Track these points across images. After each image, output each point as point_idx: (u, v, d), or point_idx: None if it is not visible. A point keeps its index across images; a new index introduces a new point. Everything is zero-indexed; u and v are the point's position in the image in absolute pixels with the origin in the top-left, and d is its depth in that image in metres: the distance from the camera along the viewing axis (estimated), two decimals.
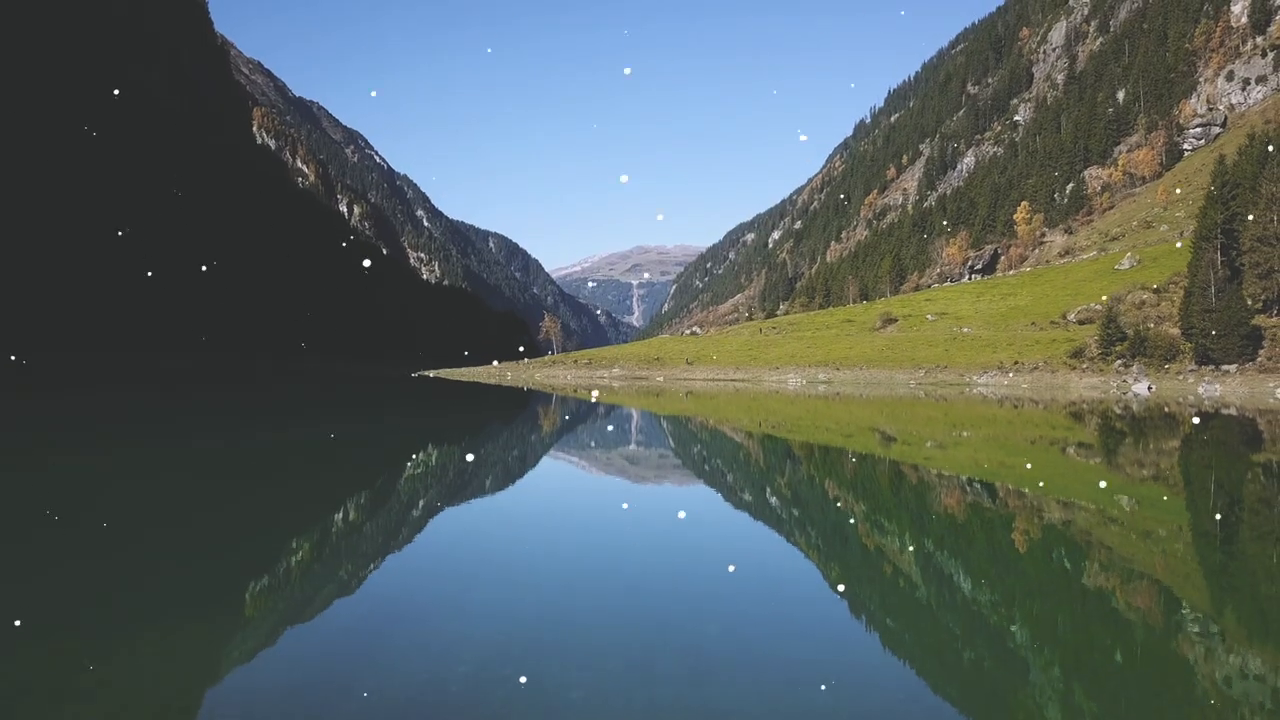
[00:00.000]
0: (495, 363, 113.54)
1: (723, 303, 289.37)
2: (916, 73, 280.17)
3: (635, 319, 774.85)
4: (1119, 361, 60.27)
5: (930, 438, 27.86)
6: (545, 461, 21.87)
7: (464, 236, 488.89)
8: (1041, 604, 8.88)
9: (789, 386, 68.56)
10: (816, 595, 9.13)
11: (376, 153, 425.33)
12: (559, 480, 18.28)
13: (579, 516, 13.73)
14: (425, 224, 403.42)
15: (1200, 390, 52.64)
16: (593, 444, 26.10)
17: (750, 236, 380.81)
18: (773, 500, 15.71)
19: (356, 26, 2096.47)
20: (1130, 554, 11.14)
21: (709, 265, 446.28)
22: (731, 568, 9.93)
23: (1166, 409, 40.76)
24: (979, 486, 17.11)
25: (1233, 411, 38.67)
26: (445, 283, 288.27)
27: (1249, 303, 59.08)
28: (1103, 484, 16.90)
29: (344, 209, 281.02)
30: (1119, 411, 39.37)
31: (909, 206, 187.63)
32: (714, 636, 7.42)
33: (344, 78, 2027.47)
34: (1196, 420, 34.11)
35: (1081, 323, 69.89)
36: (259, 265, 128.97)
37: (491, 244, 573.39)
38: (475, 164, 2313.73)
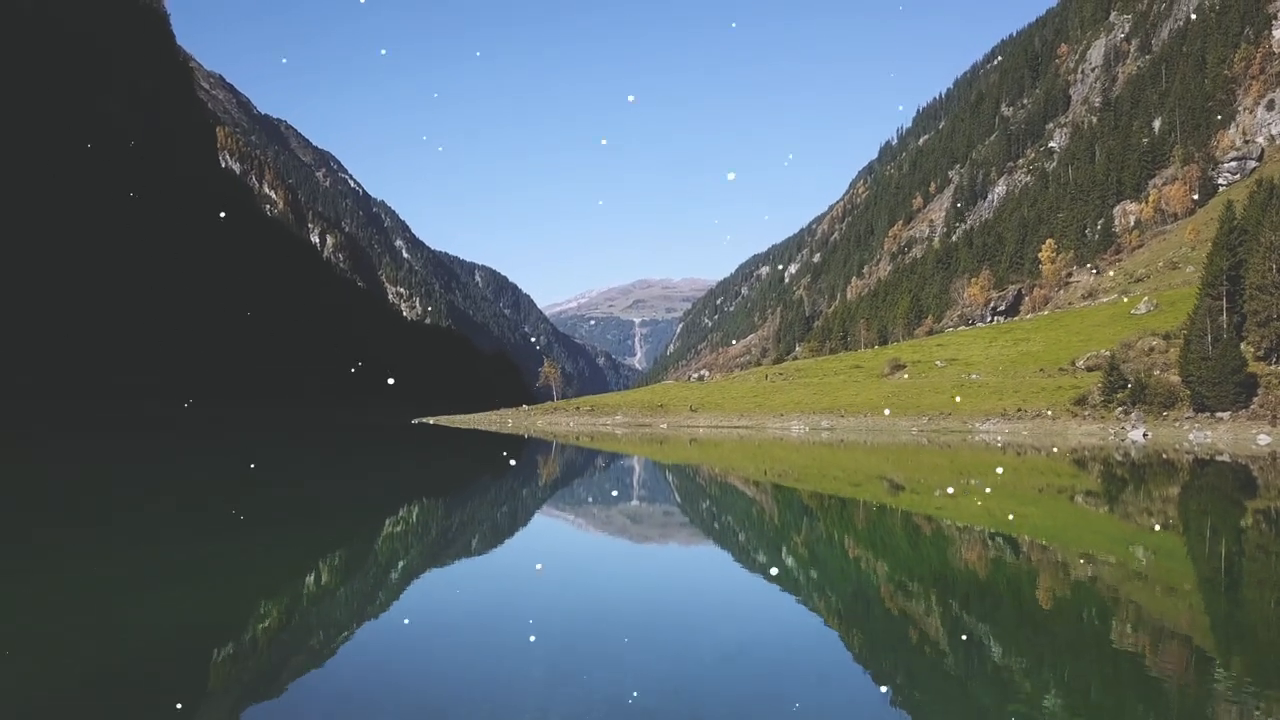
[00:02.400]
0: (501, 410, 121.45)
1: (734, 343, 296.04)
2: (948, 89, 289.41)
3: (637, 361, 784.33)
4: (1120, 409, 68.76)
5: (938, 486, 31.78)
6: (552, 517, 24.26)
7: (447, 269, 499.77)
8: (1073, 669, 9.82)
9: (792, 434, 77.28)
10: (839, 666, 10.06)
11: (351, 176, 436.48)
12: (563, 542, 19.98)
13: (580, 582, 15.06)
14: (405, 255, 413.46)
15: (1192, 437, 61.11)
16: (602, 498, 29.17)
17: (765, 270, 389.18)
18: (789, 560, 16.98)
19: (326, 36, 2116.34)
20: (1159, 612, 12.55)
21: (719, 301, 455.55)
22: (747, 637, 11.15)
23: (1165, 456, 48.52)
24: (1000, 540, 19.09)
25: (1226, 458, 46.41)
26: (428, 321, 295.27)
27: (1253, 350, 67.56)
28: (1134, 546, 18.69)
29: (315, 239, 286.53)
30: (1119, 459, 46.56)
31: (935, 240, 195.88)
32: (731, 712, 8.28)
33: (314, 93, 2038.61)
34: (1194, 467, 40.70)
35: (1090, 369, 78.45)
36: (226, 304, 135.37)
37: (478, 277, 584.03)
38: (459, 189, 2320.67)
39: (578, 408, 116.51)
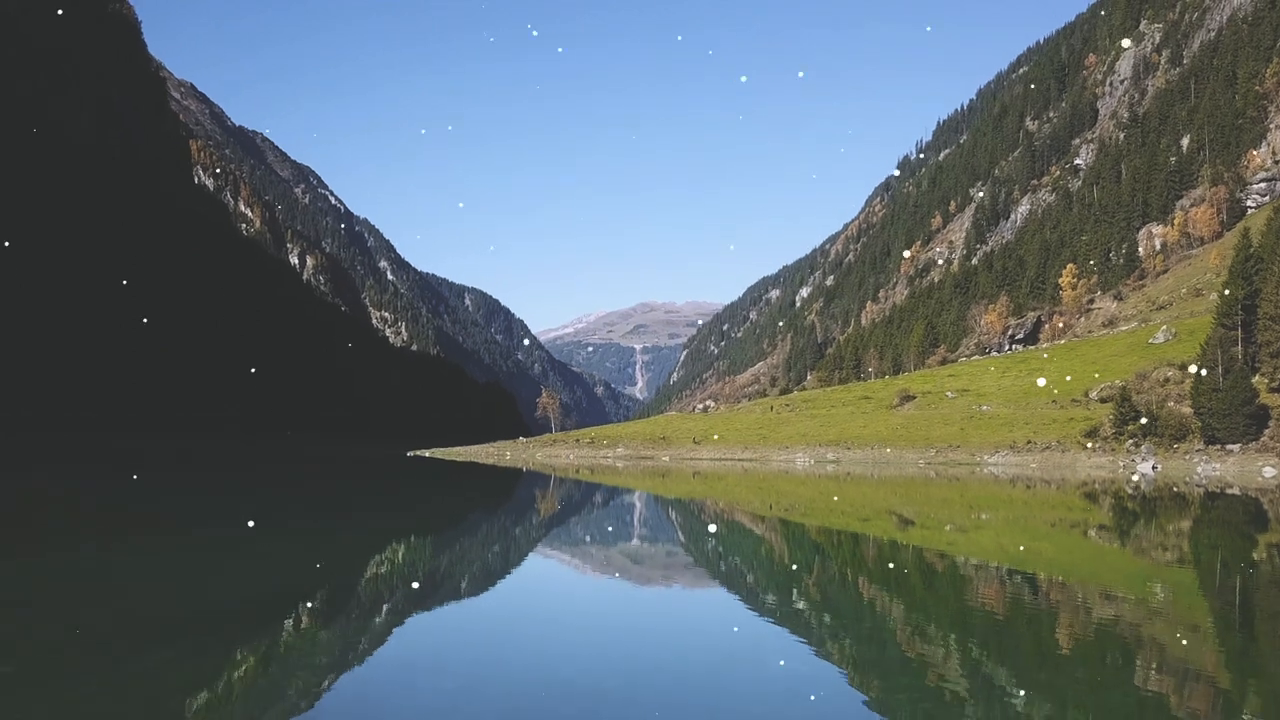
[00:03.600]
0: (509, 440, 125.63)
1: (741, 372, 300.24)
2: (971, 100, 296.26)
3: (638, 390, 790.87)
4: (1130, 441, 73.18)
5: (949, 521, 34.05)
6: (548, 558, 25.25)
7: (435, 292, 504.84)
8: (1097, 714, 10.26)
9: (796, 466, 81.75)
10: (856, 714, 10.38)
11: (331, 193, 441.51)
12: (559, 586, 20.62)
13: (580, 629, 15.54)
14: (389, 277, 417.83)
15: (1199, 470, 65.48)
16: (601, 537, 30.12)
17: (775, 293, 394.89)
18: (800, 604, 17.73)
19: (304, 40, 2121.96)
20: (1182, 653, 13.05)
21: (725, 327, 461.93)
22: (759, 684, 11.55)
23: (1175, 489, 52.81)
24: (1018, 579, 20.32)
25: (1235, 491, 50.67)
26: (414, 347, 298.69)
27: (1266, 382, 71.85)
28: (1151, 583, 20.11)
29: (295, 260, 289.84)
30: (1130, 492, 50.38)
31: (954, 263, 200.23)
32: None
33: (290, 103, 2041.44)
34: (1204, 500, 44.20)
35: (1104, 400, 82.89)
36: (200, 330, 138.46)
37: (468, 301, 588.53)
38: (446, 206, 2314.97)
39: (577, 440, 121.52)
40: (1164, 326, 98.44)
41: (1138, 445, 72.72)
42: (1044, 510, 39.55)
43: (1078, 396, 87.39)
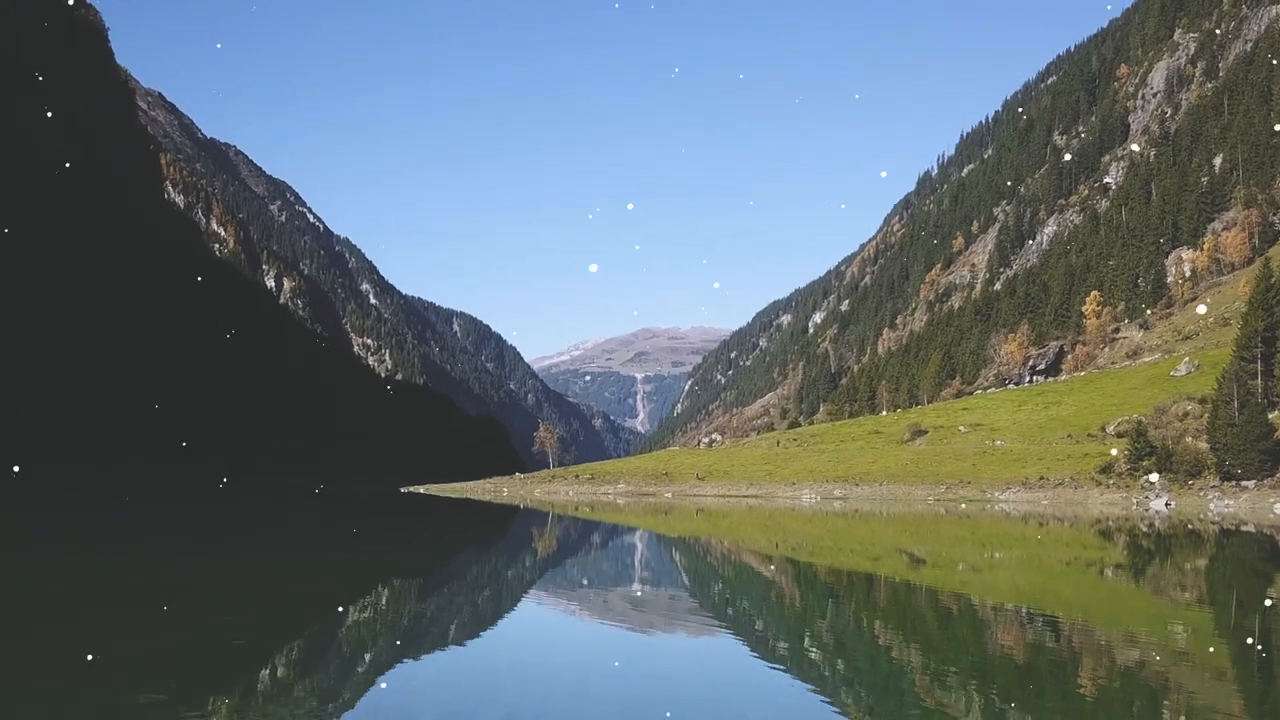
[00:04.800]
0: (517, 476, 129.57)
1: (750, 403, 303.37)
2: (997, 112, 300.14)
3: (640, 422, 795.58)
4: (1145, 477, 77.35)
5: (961, 560, 35.12)
6: (542, 603, 25.86)
7: (421, 317, 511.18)
8: None
9: (802, 503, 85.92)
10: None
11: (310, 210, 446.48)
12: (554, 634, 20.84)
13: (576, 681, 15.62)
14: (372, 301, 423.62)
15: (1212, 506, 69.62)
16: (599, 580, 30.72)
17: (786, 318, 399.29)
18: (812, 651, 18.16)
19: (279, 48, 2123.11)
20: (1206, 699, 13.64)
21: (733, 355, 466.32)
22: None
23: (1190, 526, 56.24)
24: (1037, 621, 21.13)
25: (1250, 528, 53.94)
26: (400, 376, 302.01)
27: None
28: (1173, 624, 20.87)
29: (271, 282, 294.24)
30: (1144, 529, 53.51)
31: (976, 288, 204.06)
32: None
33: (264, 113, 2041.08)
34: (1219, 538, 46.51)
35: (1120, 435, 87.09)
36: (172, 359, 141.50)
37: (456, 327, 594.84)
38: (432, 224, 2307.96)
39: (577, 476, 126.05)
40: (1186, 358, 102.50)
41: (1152, 482, 76.79)
42: (1058, 549, 41.18)
43: (1094, 431, 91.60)
